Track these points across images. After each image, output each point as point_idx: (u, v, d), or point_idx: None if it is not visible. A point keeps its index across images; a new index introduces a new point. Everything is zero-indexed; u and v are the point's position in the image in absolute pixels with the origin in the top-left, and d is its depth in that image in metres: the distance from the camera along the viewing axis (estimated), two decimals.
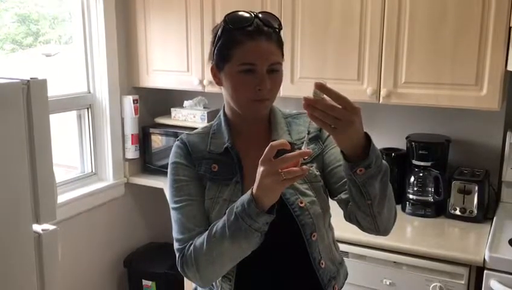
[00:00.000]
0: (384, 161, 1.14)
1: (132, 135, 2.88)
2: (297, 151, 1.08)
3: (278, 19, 1.27)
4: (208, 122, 2.61)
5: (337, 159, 1.32)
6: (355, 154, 1.09)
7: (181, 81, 2.72)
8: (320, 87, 1.01)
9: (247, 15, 1.23)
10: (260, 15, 1.24)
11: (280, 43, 1.27)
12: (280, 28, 1.27)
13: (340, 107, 1.01)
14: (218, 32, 1.26)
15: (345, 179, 1.19)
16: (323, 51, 2.31)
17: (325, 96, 1.01)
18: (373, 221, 1.21)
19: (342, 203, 1.31)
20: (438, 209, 2.31)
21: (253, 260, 1.20)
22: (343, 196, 1.29)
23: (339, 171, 1.31)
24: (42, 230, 1.59)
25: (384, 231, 1.26)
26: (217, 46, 1.26)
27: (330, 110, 1.01)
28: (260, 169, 1.09)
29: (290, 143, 1.12)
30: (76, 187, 2.72)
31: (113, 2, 2.72)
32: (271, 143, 1.09)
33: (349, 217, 1.30)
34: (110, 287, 2.97)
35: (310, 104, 1.01)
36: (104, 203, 2.82)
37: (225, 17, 1.25)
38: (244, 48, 1.21)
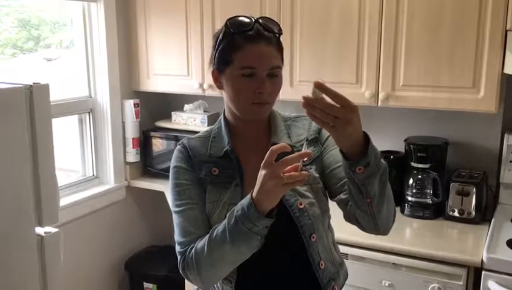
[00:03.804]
0: (383, 160, 1.15)
1: (133, 138, 2.90)
2: (297, 153, 1.10)
3: (278, 24, 1.29)
4: (208, 125, 2.65)
5: (336, 160, 1.33)
6: (354, 152, 1.10)
7: (181, 85, 2.74)
8: (319, 86, 1.02)
9: (247, 20, 1.26)
10: (260, 20, 1.26)
11: (280, 48, 1.29)
12: (280, 33, 1.29)
13: (338, 105, 1.03)
14: (220, 37, 1.28)
15: (345, 180, 1.21)
16: (322, 55, 2.33)
17: (323, 95, 1.03)
18: (372, 220, 1.22)
19: (342, 204, 1.32)
20: (437, 211, 2.33)
21: (253, 261, 1.21)
22: (342, 196, 1.31)
23: (338, 172, 1.32)
24: (45, 233, 1.60)
25: (384, 231, 1.27)
26: (218, 50, 1.28)
27: (329, 109, 1.03)
28: (262, 173, 1.11)
29: (289, 146, 1.14)
30: (78, 191, 2.73)
31: (113, 7, 2.74)
32: (271, 148, 1.11)
33: (349, 217, 1.31)
34: (111, 289, 2.98)
35: (309, 103, 1.03)
36: (105, 207, 2.84)
37: (226, 21, 1.27)
38: (244, 52, 1.23)
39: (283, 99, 2.28)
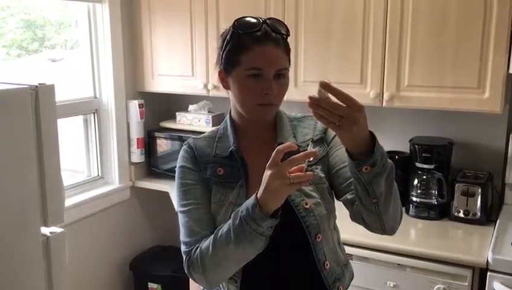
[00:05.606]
0: (389, 160, 1.15)
1: (138, 139, 2.90)
2: (302, 153, 1.09)
3: (286, 25, 1.29)
4: (213, 126, 2.66)
5: (342, 160, 1.33)
6: (360, 152, 1.10)
7: (186, 86, 2.75)
8: (325, 86, 1.03)
9: (255, 20, 1.26)
10: (268, 21, 1.26)
11: (287, 49, 1.29)
12: (287, 34, 1.29)
13: (344, 105, 1.03)
14: (227, 37, 1.28)
15: (351, 180, 1.21)
16: (326, 55, 2.33)
17: (329, 95, 1.03)
18: (379, 219, 1.22)
19: (348, 204, 1.32)
20: (442, 212, 2.33)
21: (258, 261, 1.21)
22: (348, 196, 1.30)
23: (344, 172, 1.32)
24: (50, 233, 1.61)
25: (390, 230, 1.27)
26: (226, 50, 1.28)
27: (334, 109, 1.03)
28: (268, 172, 1.11)
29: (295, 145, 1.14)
30: (83, 191, 2.74)
31: (118, 7, 2.75)
32: (277, 147, 1.11)
33: (355, 217, 1.31)
34: (116, 289, 2.99)
35: (315, 103, 1.03)
36: (110, 207, 2.85)
37: (234, 22, 1.27)
38: (252, 53, 1.23)
39: (288, 99, 2.26)
